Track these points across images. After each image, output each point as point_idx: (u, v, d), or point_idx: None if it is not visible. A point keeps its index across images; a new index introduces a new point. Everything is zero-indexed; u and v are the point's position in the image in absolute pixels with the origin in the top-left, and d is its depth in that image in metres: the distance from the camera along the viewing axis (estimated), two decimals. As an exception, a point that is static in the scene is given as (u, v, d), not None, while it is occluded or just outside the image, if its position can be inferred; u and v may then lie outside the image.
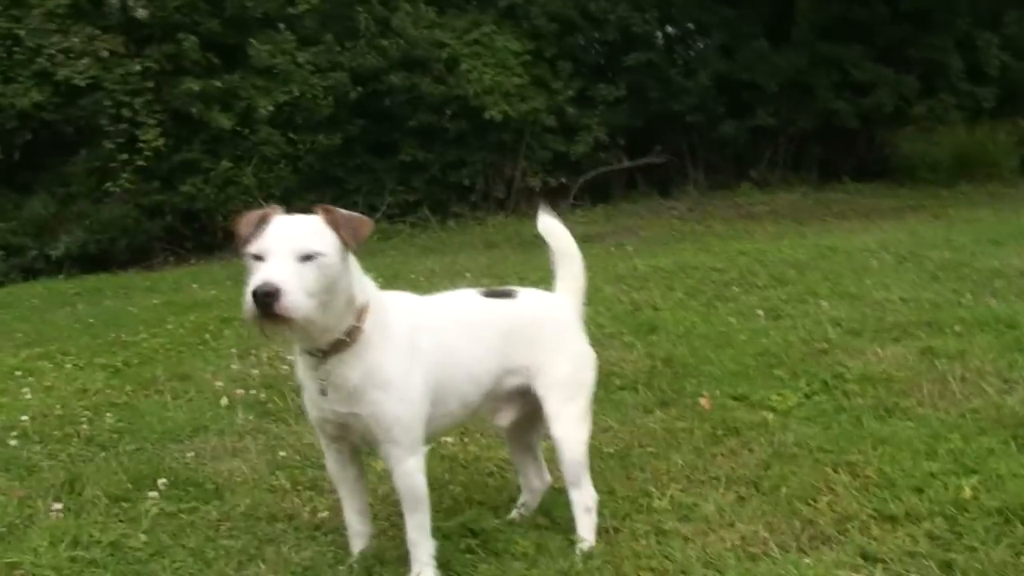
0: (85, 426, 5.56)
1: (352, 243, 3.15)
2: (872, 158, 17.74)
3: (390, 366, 3.33)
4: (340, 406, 3.34)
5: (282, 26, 16.28)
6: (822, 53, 17.41)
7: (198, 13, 15.59)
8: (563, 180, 17.59)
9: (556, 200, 17.39)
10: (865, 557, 3.43)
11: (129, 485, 4.59)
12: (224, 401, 6.04)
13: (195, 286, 11.03)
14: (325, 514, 4.20)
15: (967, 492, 3.79)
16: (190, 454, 5.06)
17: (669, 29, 18.32)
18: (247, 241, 3.08)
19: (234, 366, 6.92)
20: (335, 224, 3.13)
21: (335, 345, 3.24)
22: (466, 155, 17.13)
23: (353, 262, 3.26)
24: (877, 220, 13.85)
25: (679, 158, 18.10)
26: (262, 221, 3.12)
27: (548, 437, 3.82)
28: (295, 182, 16.21)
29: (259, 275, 2.97)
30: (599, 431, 4.57)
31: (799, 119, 17.66)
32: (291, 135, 16.15)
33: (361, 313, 3.27)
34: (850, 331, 6.45)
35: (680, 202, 17.05)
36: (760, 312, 7.26)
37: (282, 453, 5.02)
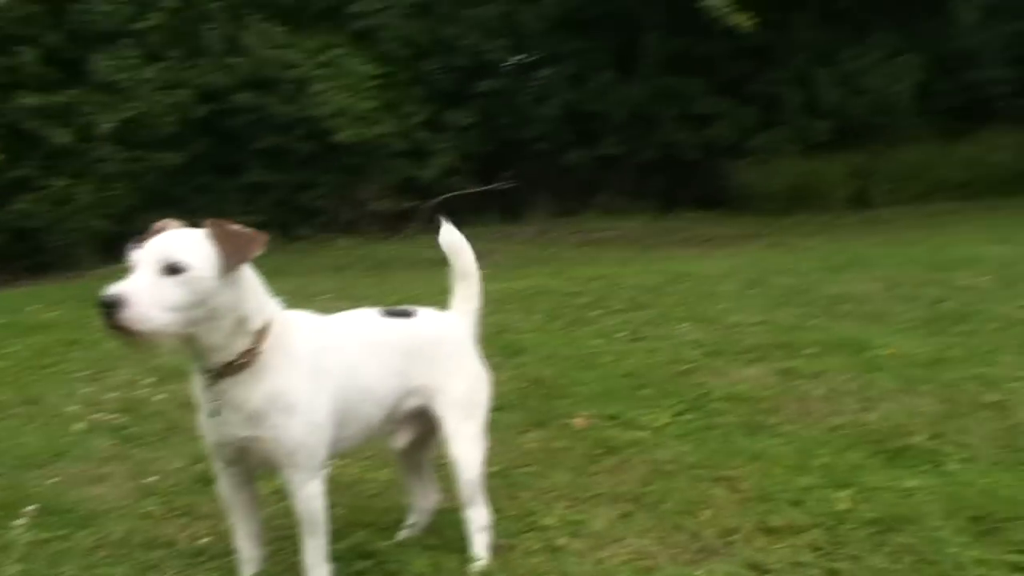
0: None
1: (232, 261, 2.99)
2: (712, 187, 18.35)
3: (295, 389, 3.23)
4: (240, 430, 3.22)
5: (127, 41, 15.79)
6: (666, 86, 17.97)
7: (39, 25, 15.00)
8: (411, 204, 17.60)
9: (405, 223, 17.45)
10: (753, 568, 3.54)
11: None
12: (79, 426, 5.82)
13: (36, 307, 10.55)
14: (206, 540, 4.08)
15: (843, 504, 3.95)
16: (52, 480, 4.85)
17: (519, 57, 18.54)
18: (127, 252, 2.96)
19: (86, 389, 6.68)
20: (219, 239, 2.98)
21: (229, 367, 3.13)
22: (314, 177, 17.01)
23: (250, 281, 3.15)
24: (719, 247, 14.34)
25: (527, 184, 18.34)
26: (153, 233, 3.01)
27: (442, 457, 3.81)
28: (136, 200, 15.76)
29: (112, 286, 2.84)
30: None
31: (643, 149, 18.17)
32: (133, 152, 15.69)
33: (260, 335, 3.16)
34: (710, 352, 6.64)
35: (528, 227, 17.26)
36: (622, 334, 7.42)
37: (150, 478, 4.85)
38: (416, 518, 4.08)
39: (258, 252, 3.07)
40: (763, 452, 4.64)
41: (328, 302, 9.55)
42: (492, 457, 4.82)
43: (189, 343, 3.03)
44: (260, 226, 13.13)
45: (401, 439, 3.84)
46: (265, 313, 3.19)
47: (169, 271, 2.87)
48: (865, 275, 9.57)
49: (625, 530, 3.93)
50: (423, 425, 3.83)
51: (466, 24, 17.73)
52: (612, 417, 5.41)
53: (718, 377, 6.02)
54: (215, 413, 3.23)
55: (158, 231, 3.02)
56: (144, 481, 4.83)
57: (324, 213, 17.20)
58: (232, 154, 16.68)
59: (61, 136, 14.89)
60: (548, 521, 4.07)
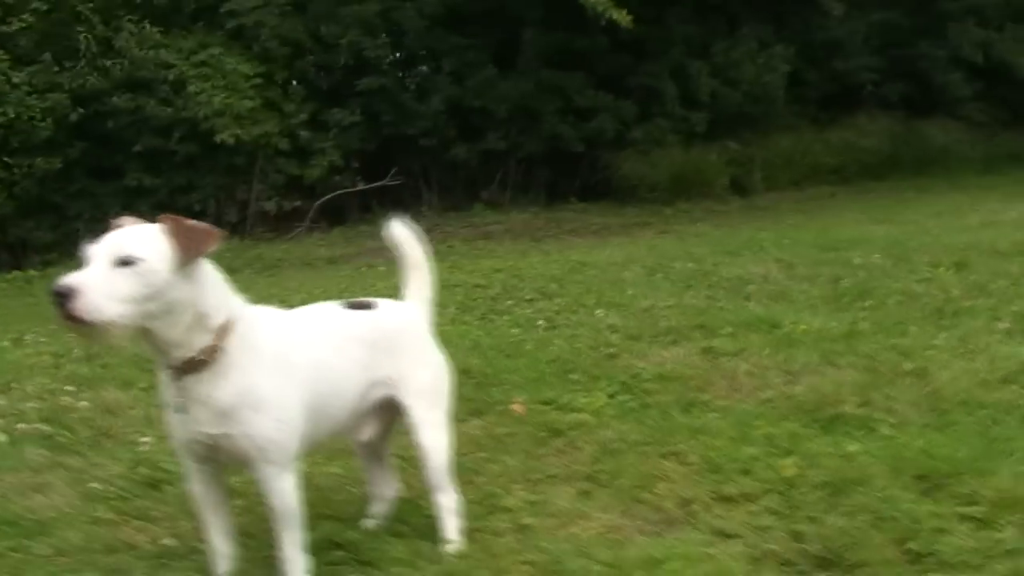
0: None
1: (187, 255, 2.99)
2: (596, 179, 18.63)
3: (263, 385, 3.23)
4: (210, 427, 3.21)
5: (-6, 45, 15.22)
6: (547, 80, 18.15)
7: (-98, 28, 14.38)
8: (298, 203, 17.42)
9: (291, 223, 17.29)
10: (718, 533, 3.68)
11: (-66, 527, 4.25)
12: (1, 437, 5.66)
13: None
14: (168, 541, 4.04)
15: (790, 471, 4.13)
16: (-10, 493, 4.71)
17: (399, 54, 18.51)
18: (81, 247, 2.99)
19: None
20: (172, 233, 2.98)
21: (191, 363, 3.12)
22: (196, 179, 16.69)
23: (209, 277, 3.16)
24: (608, 237, 14.60)
25: (413, 180, 18.35)
26: (110, 230, 3.03)
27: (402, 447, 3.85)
28: (11, 208, 15.29)
29: (63, 279, 2.86)
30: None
31: (527, 143, 18.32)
32: (6, 159, 15.14)
33: (222, 332, 3.14)
34: (630, 336, 6.81)
35: (416, 223, 17.16)
36: (539, 323, 7.53)
37: (93, 485, 4.76)
38: (378, 508, 4.11)
39: (214, 247, 3.09)
40: (703, 427, 4.80)
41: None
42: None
43: (147, 337, 3.04)
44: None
45: (366, 431, 3.87)
46: (226, 309, 3.19)
47: (122, 263, 2.88)
48: (760, 258, 9.91)
49: (587, 507, 4.04)
50: (386, 416, 3.88)
51: (345, 22, 17.59)
52: (547, 402, 5.51)
53: (642, 359, 6.17)
54: (181, 410, 3.22)
55: (115, 227, 3.03)
56: (87, 487, 4.73)
57: (207, 215, 16.87)
58: (110, 158, 16.23)
59: (-71, 143, 14.30)
60: (509, 503, 4.14)
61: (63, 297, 2.79)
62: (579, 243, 13.93)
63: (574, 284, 9.21)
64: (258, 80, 16.78)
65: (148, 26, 16.12)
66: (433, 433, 3.76)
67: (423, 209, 18.14)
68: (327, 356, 3.52)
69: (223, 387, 3.16)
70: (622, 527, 3.83)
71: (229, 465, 3.50)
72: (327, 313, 3.72)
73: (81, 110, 15.60)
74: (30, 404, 6.30)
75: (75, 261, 10.06)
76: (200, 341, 3.10)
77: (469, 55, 18.09)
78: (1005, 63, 22.10)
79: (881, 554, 3.35)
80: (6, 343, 8.54)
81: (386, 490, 4.12)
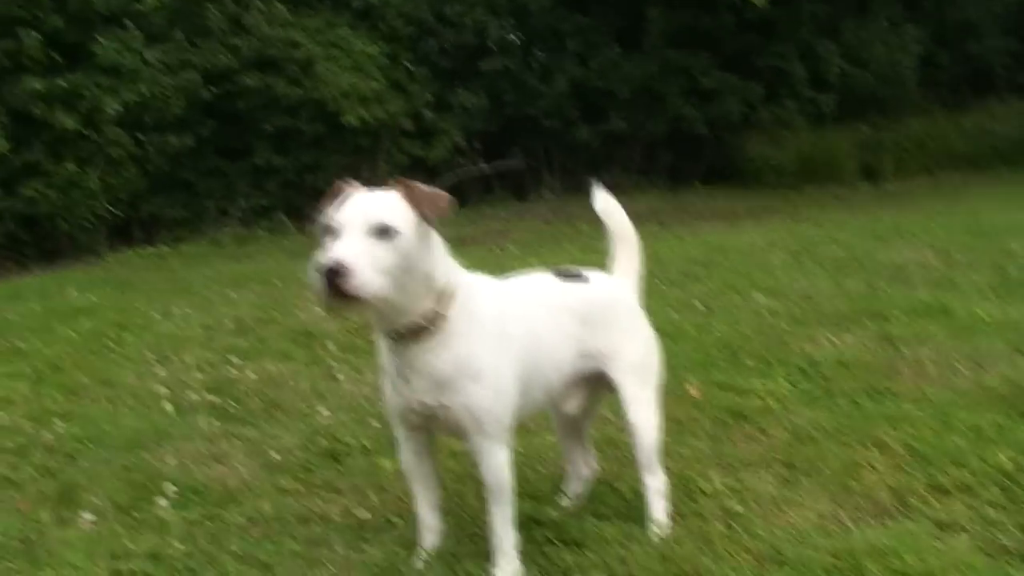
0: (43, 435, 5.19)
1: (429, 220, 3.00)
2: (720, 162, 18.33)
3: (482, 355, 3.19)
4: (428, 397, 3.19)
5: (129, 23, 15.50)
6: (671, 61, 17.91)
7: (40, 8, 14.70)
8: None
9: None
10: (942, 526, 3.54)
11: (132, 493, 4.32)
12: (168, 407, 5.75)
13: (70, 292, 10.38)
14: (362, 514, 4.03)
15: (1008, 464, 3.95)
16: (172, 461, 4.78)
17: (522, 35, 18.43)
18: (322, 215, 2.96)
19: (162, 371, 6.58)
20: (414, 199, 2.98)
21: (415, 331, 3.10)
22: (322, 159, 16.82)
23: (436, 243, 3.12)
24: (736, 221, 14.31)
25: (535, 162, 18.28)
26: (340, 195, 2.99)
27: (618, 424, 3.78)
28: (143, 185, 15.57)
29: (330, 251, 2.82)
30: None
31: (650, 124, 18.12)
32: (139, 136, 15.46)
33: (444, 298, 3.11)
34: (795, 321, 6.65)
35: (538, 206, 17.19)
36: (697, 305, 7.40)
37: (274, 455, 4.80)
38: (574, 487, 4.05)
39: (448, 211, 3.08)
40: (900, 416, 4.64)
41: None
42: (621, 428, 4.85)
43: (385, 305, 3.00)
44: (268, 209, 12.97)
45: (572, 404, 3.81)
46: (449, 276, 3.15)
47: (379, 234, 2.86)
48: (912, 244, 9.62)
49: (793, 494, 3.93)
50: (593, 391, 3.81)
51: (469, 2, 17.57)
52: (723, 386, 5.39)
53: (814, 345, 6.02)
54: (404, 378, 3.18)
55: (342, 193, 3.01)
56: (267, 458, 4.78)
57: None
58: (239, 136, 16.46)
59: (67, 121, 14.62)
60: (707, 488, 4.06)
61: (335, 275, 2.77)
62: (707, 227, 13.66)
63: (719, 267, 9.04)
64: (384, 60, 16.83)
65: (276, 3, 16.28)
66: (644, 411, 3.69)
67: (544, 191, 18.09)
68: (541, 327, 3.46)
69: (443, 356, 3.13)
70: (836, 516, 3.71)
71: (445, 436, 3.48)
72: (540, 283, 3.65)
73: (213, 88, 15.83)
74: (194, 375, 6.40)
75: (205, 238, 10.42)
76: (424, 308, 3.08)
77: (593, 35, 17.93)
78: None
79: None
80: (156, 315, 8.69)
81: (584, 469, 4.06)
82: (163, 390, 6.08)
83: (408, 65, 17.45)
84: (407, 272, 2.94)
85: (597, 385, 3.77)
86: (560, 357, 3.54)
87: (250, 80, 15.97)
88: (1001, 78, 20.81)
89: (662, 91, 17.95)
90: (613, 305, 3.76)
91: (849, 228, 11.61)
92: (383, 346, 3.26)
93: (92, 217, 15.14)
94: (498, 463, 3.31)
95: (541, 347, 3.44)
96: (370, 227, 2.86)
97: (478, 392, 3.18)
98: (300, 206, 16.72)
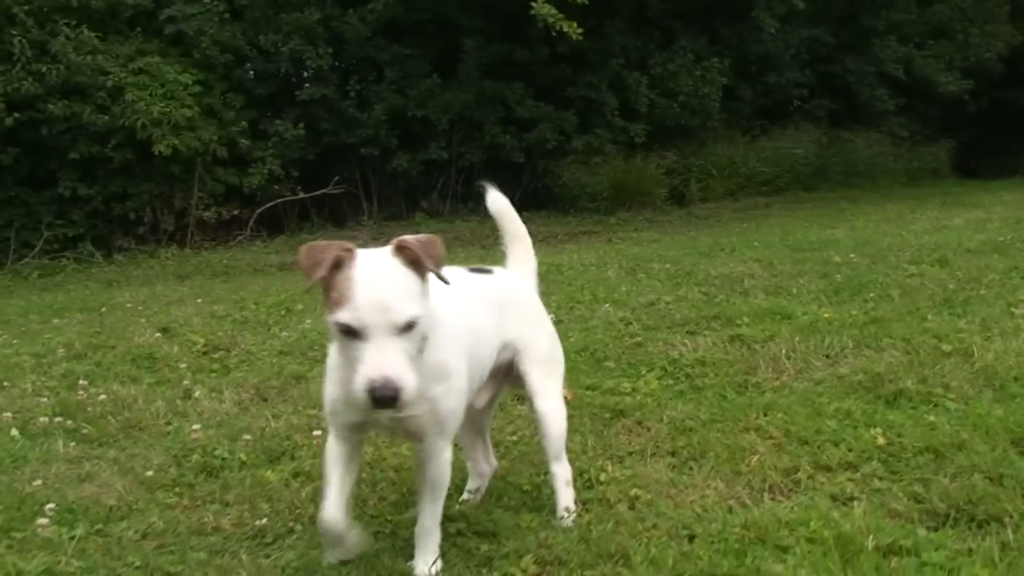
0: None
1: (438, 269, 2.87)
2: (537, 189, 18.69)
3: (448, 359, 3.15)
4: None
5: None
6: (487, 90, 18.18)
7: None
8: (236, 212, 17.10)
9: (230, 232, 16.98)
10: (836, 499, 3.72)
11: (6, 515, 4.06)
12: (15, 433, 5.43)
13: None
14: (261, 523, 3.92)
15: (881, 440, 4.19)
16: (38, 483, 4.51)
17: (340, 64, 18.37)
18: (320, 281, 2.81)
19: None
20: (416, 261, 2.85)
21: None
22: (131, 186, 16.29)
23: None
24: (558, 244, 14.61)
25: (354, 189, 18.20)
26: (338, 265, 2.80)
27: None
28: (-58, 215, 14.73)
29: (370, 365, 2.71)
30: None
31: (468, 152, 18.31)
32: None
33: None
34: (647, 328, 6.83)
35: (359, 232, 17.08)
36: (551, 317, 7.49)
37: (147, 474, 4.60)
38: (476, 483, 4.06)
39: (442, 253, 2.95)
40: (770, 404, 4.86)
41: (204, 305, 9.26)
42: (508, 427, 4.89)
43: None
44: (75, 239, 12.38)
45: (482, 398, 3.82)
46: None
47: (406, 330, 2.77)
48: (736, 258, 10.04)
49: (688, 479, 4.05)
50: (498, 384, 3.84)
51: (285, 30, 17.38)
52: (591, 388, 5.50)
53: (672, 348, 6.20)
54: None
55: (341, 262, 2.81)
56: (141, 476, 4.57)
57: (144, 224, 16.48)
58: (42, 165, 15.76)
59: None
60: (604, 477, 4.12)
61: (393, 398, 2.73)
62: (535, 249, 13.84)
63: (559, 284, 9.19)
64: (197, 88, 16.44)
65: (85, 31, 15.69)
66: (552, 401, 3.74)
67: (362, 219, 18.01)
68: (477, 320, 3.46)
69: (422, 369, 2.92)
70: (734, 495, 3.84)
71: (387, 438, 3.77)
72: (462, 277, 3.60)
73: (17, 115, 15.09)
74: (36, 400, 6.07)
75: (6, 269, 9.85)
76: None
77: (411, 64, 18.01)
78: (925, 79, 22.88)
79: (1015, 507, 3.40)
80: (-27, 347, 8.19)
81: (484, 466, 4.07)
82: (6, 415, 5.73)
83: (223, 93, 17.10)
84: (421, 346, 2.90)
85: (503, 380, 3.80)
86: (490, 348, 3.56)
87: (55, 108, 15.30)
88: (796, 108, 22.03)
89: (479, 119, 18.19)
90: (521, 298, 3.83)
91: (671, 246, 12.05)
92: (339, 353, 3.03)
93: None
94: (446, 459, 3.29)
95: (479, 340, 3.44)
96: (398, 326, 2.75)
97: (446, 395, 3.16)
98: (110, 235, 16.18)
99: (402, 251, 2.84)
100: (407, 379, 2.72)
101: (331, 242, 2.87)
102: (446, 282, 2.88)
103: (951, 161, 23.88)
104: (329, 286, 2.79)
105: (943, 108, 24.41)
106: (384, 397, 2.69)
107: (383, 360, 2.70)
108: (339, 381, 3.06)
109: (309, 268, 2.80)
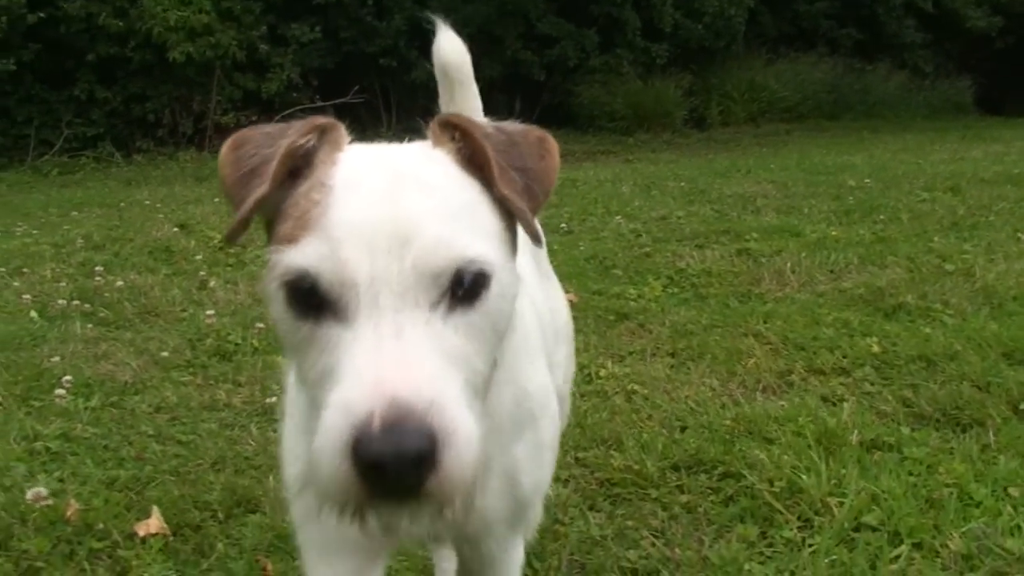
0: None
1: (541, 204, 1.51)
2: (557, 107, 18.59)
3: (538, 383, 1.85)
4: None
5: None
6: (509, 5, 18.00)
7: None
8: (255, 118, 17.07)
9: (250, 138, 16.95)
10: (825, 400, 3.82)
11: (26, 385, 4.22)
12: (34, 315, 5.57)
13: None
14: (271, 401, 4.04)
15: (876, 348, 4.29)
16: (56, 359, 4.65)
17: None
18: (257, 211, 1.45)
19: (16, 284, 6.34)
20: (488, 163, 1.46)
21: None
22: (150, 89, 16.26)
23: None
24: (575, 162, 14.60)
25: (373, 100, 18.15)
26: (300, 166, 1.46)
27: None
28: (-40, 112, 14.78)
29: (364, 369, 1.28)
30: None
31: (488, 67, 18.17)
32: (-44, 59, 14.61)
33: None
34: (656, 240, 6.92)
35: (378, 143, 17.10)
36: (562, 226, 7.60)
37: (163, 354, 4.73)
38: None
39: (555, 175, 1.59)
40: (771, 312, 4.95)
41: (221, 205, 9.34)
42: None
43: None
44: (94, 138, 12.30)
45: None
46: None
47: (457, 297, 1.37)
48: (752, 179, 10.07)
49: (685, 377, 4.15)
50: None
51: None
52: (598, 292, 5.60)
53: (679, 259, 6.29)
54: None
55: (311, 156, 1.48)
56: (156, 356, 4.71)
57: (163, 126, 16.51)
58: (62, 63, 15.74)
59: None
60: (604, 373, 4.23)
61: (423, 462, 1.24)
62: (550, 165, 13.89)
63: (574, 197, 9.26)
64: (214, -10, 16.33)
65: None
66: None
67: (381, 130, 17.99)
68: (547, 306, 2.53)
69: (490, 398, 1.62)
70: (727, 392, 3.95)
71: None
72: None
73: (41, 15, 15.04)
74: (55, 285, 6.20)
75: (26, 166, 9.91)
76: None
77: (432, -27, 17.83)
78: (953, 12, 22.53)
79: (999, 412, 3.50)
80: (-5, 234, 8.34)
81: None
82: (26, 298, 5.87)
83: (240, -4, 16.99)
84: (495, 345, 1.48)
85: None
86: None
87: (71, 8, 15.24)
88: (821, 36, 21.76)
89: (500, 34, 18.03)
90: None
91: (688, 166, 12.06)
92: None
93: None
94: (516, 564, 2.00)
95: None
96: (433, 287, 1.35)
97: (536, 454, 1.86)
98: (127, 135, 16.23)
99: (459, 132, 1.50)
100: (453, 408, 1.28)
101: (282, 126, 1.51)
102: (538, 241, 1.51)
103: (974, 97, 23.59)
104: (279, 212, 1.45)
105: (970, 43, 24.05)
106: (397, 452, 1.23)
107: (395, 358, 1.29)
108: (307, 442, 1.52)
109: (238, 184, 1.45)
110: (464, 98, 2.75)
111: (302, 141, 1.46)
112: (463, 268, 1.36)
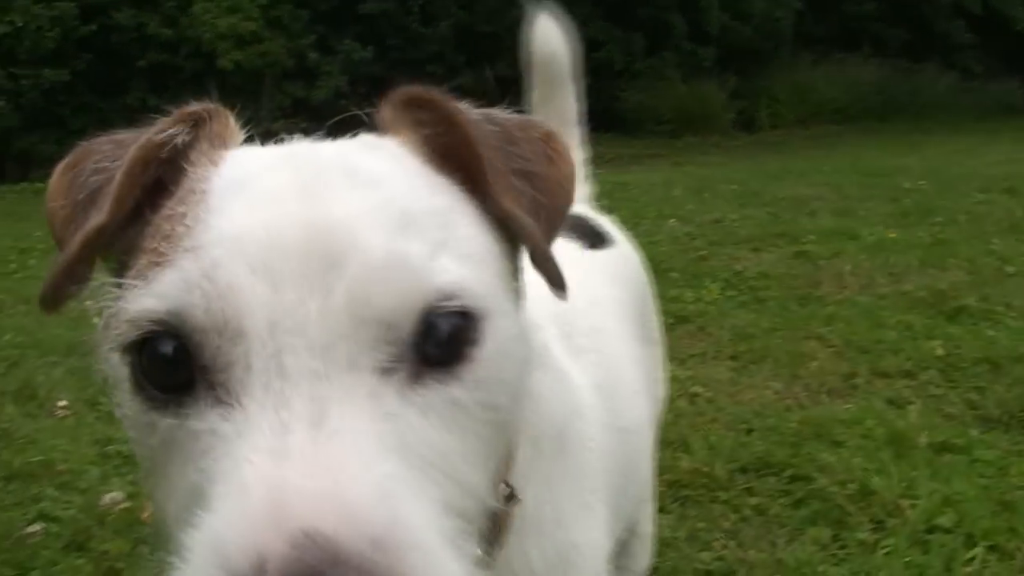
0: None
1: (553, 222, 1.11)
2: (603, 110, 18.56)
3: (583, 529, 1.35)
4: None
5: (1, -48, 14.85)
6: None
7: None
8: (304, 125, 17.20)
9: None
10: (892, 403, 3.81)
11: (94, 390, 4.30)
12: (96, 320, 5.66)
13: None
14: None
15: (940, 351, 4.27)
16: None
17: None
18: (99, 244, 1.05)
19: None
20: (478, 159, 1.06)
21: None
22: (200, 96, 16.39)
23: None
24: (623, 166, 14.57)
25: (420, 107, 18.23)
26: (162, 167, 1.07)
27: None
28: (16, 121, 15.01)
29: (238, 518, 0.77)
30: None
31: (535, 72, 18.21)
32: (12, 70, 14.87)
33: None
34: (712, 243, 6.90)
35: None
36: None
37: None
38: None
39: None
40: (832, 315, 4.93)
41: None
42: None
43: None
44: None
45: None
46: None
47: (442, 355, 0.93)
48: (804, 182, 10.00)
49: (748, 380, 4.15)
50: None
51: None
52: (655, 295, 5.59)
53: (736, 262, 6.27)
54: None
55: (165, 156, 1.08)
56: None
57: (214, 134, 16.72)
58: (115, 73, 15.99)
59: (-66, 51, 14.01)
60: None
61: None
62: (598, 171, 13.89)
63: (625, 201, 9.22)
64: (263, 1, 16.52)
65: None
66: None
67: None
68: (619, 375, 2.14)
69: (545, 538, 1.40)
70: (792, 395, 3.95)
71: None
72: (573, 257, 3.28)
73: (91, 26, 15.30)
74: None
75: None
76: None
77: (479, -22, 17.92)
78: (1001, 14, 22.26)
79: (1071, 416, 3.48)
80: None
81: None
82: (89, 304, 5.97)
83: (289, 6, 17.15)
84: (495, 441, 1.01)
85: None
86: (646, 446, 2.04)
87: (122, 17, 15.49)
88: (870, 37, 21.56)
89: (547, 39, 18.05)
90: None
91: (738, 169, 11.99)
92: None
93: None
94: None
95: (631, 433, 1.68)
96: (395, 337, 0.89)
97: None
98: (180, 144, 16.41)
99: (427, 125, 1.17)
100: (423, 547, 0.78)
101: (143, 129, 1.12)
102: (560, 287, 1.08)
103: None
104: (132, 251, 1.05)
105: (1019, 44, 23.72)
106: None
107: (310, 461, 0.80)
108: None
109: (69, 220, 1.07)
110: (563, 100, 2.45)
111: (161, 138, 1.04)
112: (434, 306, 0.88)
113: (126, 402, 0.95)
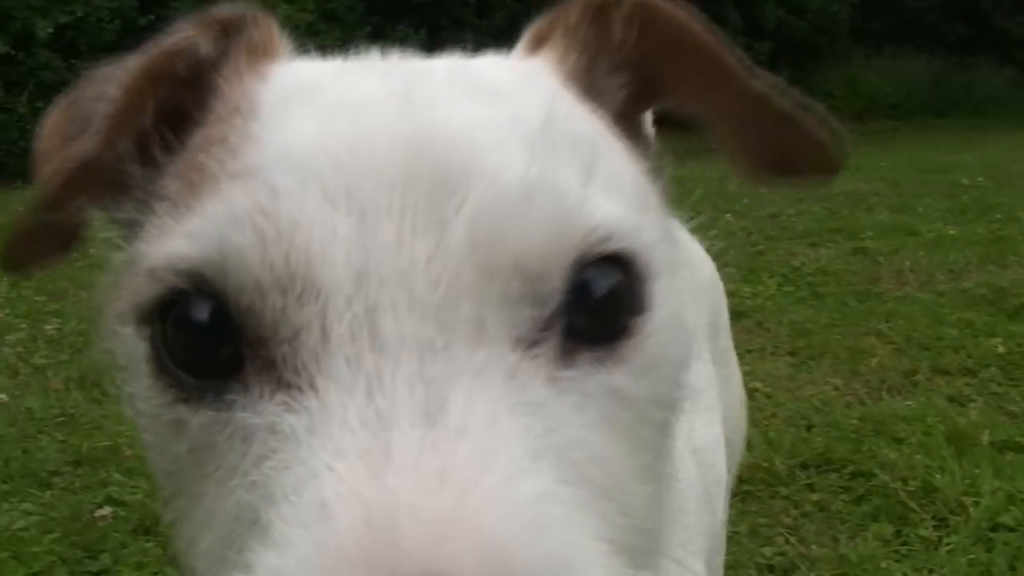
0: (43, 330, 5.26)
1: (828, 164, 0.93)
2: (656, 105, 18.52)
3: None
4: None
5: (61, -58, 15.10)
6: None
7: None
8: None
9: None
10: (953, 400, 3.79)
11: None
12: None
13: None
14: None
15: (1001, 348, 4.24)
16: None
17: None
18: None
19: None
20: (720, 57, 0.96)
21: None
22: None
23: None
24: (678, 159, 14.32)
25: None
26: (183, 91, 0.81)
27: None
28: (77, 111, 15.23)
29: (321, 552, 0.52)
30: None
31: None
32: (73, 61, 15.09)
33: None
34: (769, 238, 6.89)
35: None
36: (671, 224, 7.60)
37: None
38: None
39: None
40: (892, 311, 4.91)
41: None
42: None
43: None
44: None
45: None
46: None
47: (598, 323, 0.68)
48: (861, 177, 9.89)
49: (809, 376, 4.15)
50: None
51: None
52: (710, 288, 5.59)
53: (793, 257, 6.25)
54: None
55: (198, 63, 0.82)
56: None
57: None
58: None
59: (-5, 42, 14.26)
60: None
61: None
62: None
63: (678, 195, 9.17)
64: (319, -10, 16.67)
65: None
66: None
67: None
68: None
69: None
70: (852, 392, 3.94)
71: None
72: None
73: (151, 17, 15.50)
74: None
75: None
76: None
77: (533, -32, 17.91)
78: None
79: None
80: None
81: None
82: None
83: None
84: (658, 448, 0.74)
85: None
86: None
87: (181, 7, 15.65)
88: (926, 32, 21.29)
89: (605, 31, 18.04)
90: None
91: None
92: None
93: (22, 143, 14.81)
94: None
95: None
96: (540, 295, 0.64)
97: None
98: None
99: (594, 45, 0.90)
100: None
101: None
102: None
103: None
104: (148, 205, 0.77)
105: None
106: None
107: (429, 470, 0.54)
108: None
109: (54, 150, 0.85)
110: None
111: (175, 46, 0.79)
112: (590, 253, 0.66)
113: (141, 392, 0.68)
